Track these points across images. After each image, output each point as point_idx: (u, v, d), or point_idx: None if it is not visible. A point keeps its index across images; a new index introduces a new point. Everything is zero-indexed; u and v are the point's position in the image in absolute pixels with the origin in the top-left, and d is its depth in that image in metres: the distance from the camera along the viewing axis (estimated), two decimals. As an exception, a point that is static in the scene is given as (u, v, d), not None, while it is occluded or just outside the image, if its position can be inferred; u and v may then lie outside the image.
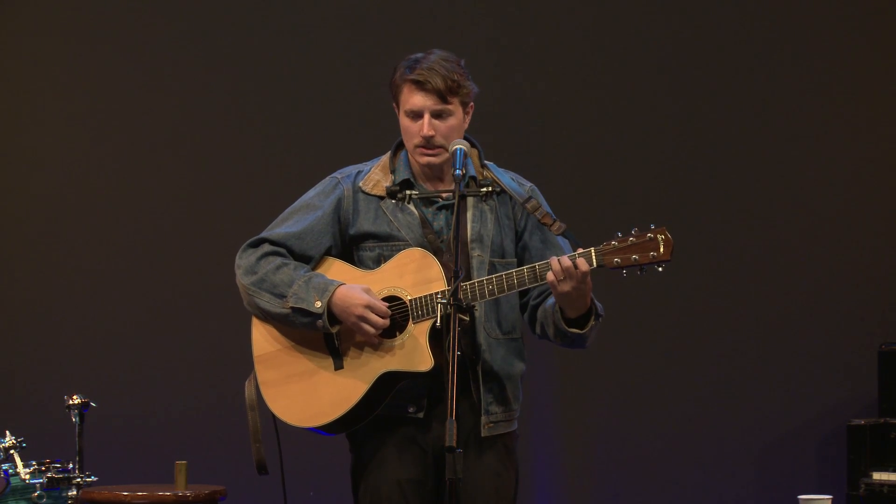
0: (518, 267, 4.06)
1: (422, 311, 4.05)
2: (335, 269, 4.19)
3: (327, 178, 4.28)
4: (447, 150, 4.12)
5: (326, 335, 4.12)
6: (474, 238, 4.15)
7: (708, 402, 6.75)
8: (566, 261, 3.93)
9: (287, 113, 6.80)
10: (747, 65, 6.82)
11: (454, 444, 3.65)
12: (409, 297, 4.07)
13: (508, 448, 4.19)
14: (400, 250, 4.13)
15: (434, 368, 4.00)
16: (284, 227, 4.21)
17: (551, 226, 4.04)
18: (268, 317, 4.16)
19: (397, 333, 4.08)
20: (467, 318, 3.98)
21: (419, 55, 4.16)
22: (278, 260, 4.16)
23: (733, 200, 6.80)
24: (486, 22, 6.84)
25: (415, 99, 4.12)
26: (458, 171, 4.00)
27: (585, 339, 4.09)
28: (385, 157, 4.28)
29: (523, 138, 6.77)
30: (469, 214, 4.17)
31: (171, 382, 6.68)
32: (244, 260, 4.20)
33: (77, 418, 5.26)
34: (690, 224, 6.69)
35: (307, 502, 6.61)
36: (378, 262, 4.17)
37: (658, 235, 3.94)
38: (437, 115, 4.12)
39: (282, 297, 4.10)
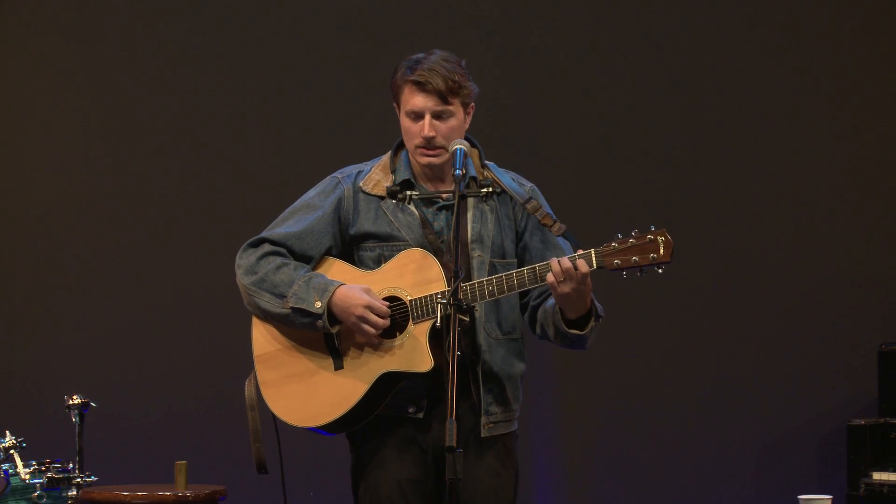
0: (518, 267, 4.07)
1: (422, 311, 4.05)
2: (335, 270, 4.19)
3: (328, 177, 4.28)
4: (448, 151, 4.12)
5: (326, 335, 4.12)
6: (474, 238, 4.15)
7: (708, 402, 6.75)
8: (566, 262, 3.93)
9: (287, 113, 6.80)
10: (747, 65, 6.81)
11: (454, 445, 3.65)
12: (409, 298, 4.07)
13: (508, 448, 4.19)
14: (400, 250, 4.13)
15: (434, 369, 4.00)
16: (285, 227, 4.21)
17: (551, 226, 4.03)
18: (268, 317, 4.16)
19: (397, 334, 4.08)
20: (467, 319, 3.97)
21: (420, 55, 4.16)
22: (278, 260, 4.16)
23: (733, 201, 6.80)
24: (486, 22, 6.84)
25: (416, 100, 4.12)
26: (458, 172, 4.00)
27: (586, 340, 4.09)
28: (385, 157, 4.28)
29: (523, 138, 6.76)
30: (469, 215, 4.17)
31: (171, 382, 6.67)
32: (244, 260, 4.20)
33: (77, 418, 5.26)
34: (690, 225, 6.68)
35: (307, 502, 6.60)
36: (378, 262, 4.17)
37: (658, 237, 3.94)
38: (437, 115, 4.12)
39: (282, 297, 4.10)
